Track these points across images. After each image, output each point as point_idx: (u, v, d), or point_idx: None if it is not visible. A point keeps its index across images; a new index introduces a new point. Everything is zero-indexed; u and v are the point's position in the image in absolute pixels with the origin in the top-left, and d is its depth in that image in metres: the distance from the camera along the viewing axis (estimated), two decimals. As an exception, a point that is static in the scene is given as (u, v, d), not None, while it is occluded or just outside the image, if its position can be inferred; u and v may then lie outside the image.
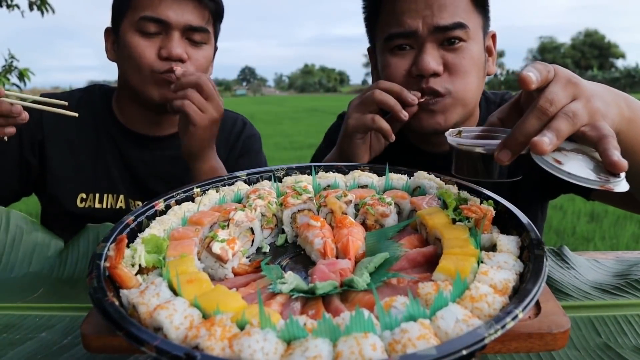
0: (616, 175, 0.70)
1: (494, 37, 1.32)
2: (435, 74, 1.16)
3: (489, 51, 1.30)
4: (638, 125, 0.86)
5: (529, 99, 0.83)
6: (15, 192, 1.48)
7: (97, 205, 1.46)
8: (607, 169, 0.70)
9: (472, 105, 1.24)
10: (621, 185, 0.69)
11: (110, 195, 1.47)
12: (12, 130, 1.13)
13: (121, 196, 1.47)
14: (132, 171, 1.49)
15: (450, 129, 0.93)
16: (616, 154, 0.69)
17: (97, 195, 1.46)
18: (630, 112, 0.84)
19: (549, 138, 0.70)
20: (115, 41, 1.41)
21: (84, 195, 1.46)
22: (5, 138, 1.15)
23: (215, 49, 1.49)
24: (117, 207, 1.47)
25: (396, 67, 1.20)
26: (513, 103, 0.88)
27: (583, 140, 0.75)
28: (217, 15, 1.41)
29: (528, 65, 0.77)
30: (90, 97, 1.52)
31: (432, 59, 1.15)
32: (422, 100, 1.14)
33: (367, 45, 1.39)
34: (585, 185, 0.69)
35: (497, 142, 0.78)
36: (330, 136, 1.60)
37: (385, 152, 1.26)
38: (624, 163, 0.69)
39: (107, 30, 1.44)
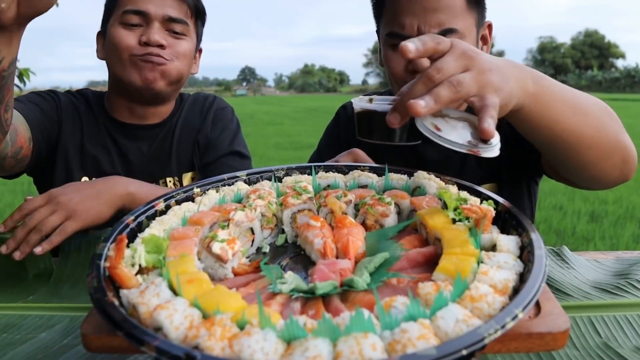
0: (487, 142, 0.75)
1: (490, 26, 1.37)
2: None
3: (484, 40, 1.36)
4: (545, 100, 0.88)
5: None
6: (45, 140, 1.46)
7: None
8: (479, 135, 0.74)
9: None
10: (489, 151, 0.74)
11: None
12: None
13: None
14: (128, 161, 1.55)
15: (361, 96, 0.98)
16: (487, 122, 0.73)
17: None
18: (536, 88, 0.86)
19: (426, 102, 0.74)
20: (104, 41, 1.50)
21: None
22: None
23: (200, 50, 1.60)
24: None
25: (396, 63, 1.29)
26: None
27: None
28: (197, 12, 1.51)
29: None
30: (85, 96, 1.61)
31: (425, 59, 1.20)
32: None
33: (367, 45, 1.48)
34: (454, 149, 0.75)
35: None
36: (328, 133, 1.65)
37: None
38: (491, 131, 0.72)
39: (98, 34, 1.54)
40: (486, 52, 1.36)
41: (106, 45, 1.48)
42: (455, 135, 0.76)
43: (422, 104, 0.73)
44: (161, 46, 1.41)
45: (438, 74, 0.76)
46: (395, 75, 1.28)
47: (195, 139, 1.63)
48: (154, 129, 1.59)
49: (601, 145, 0.95)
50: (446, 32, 1.20)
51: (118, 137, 1.55)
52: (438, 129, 0.76)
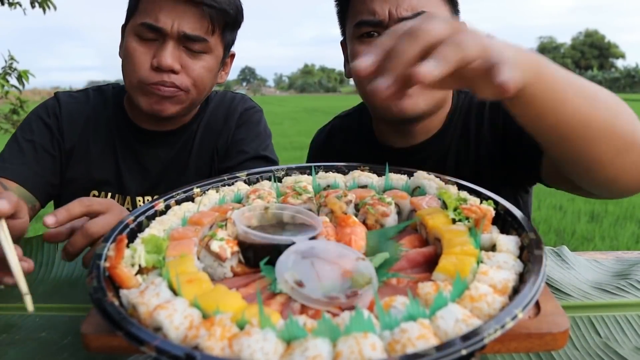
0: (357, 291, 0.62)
1: None
2: None
3: None
4: (549, 79, 0.74)
5: None
6: (52, 186, 1.43)
7: None
8: (495, 92, 0.59)
9: (441, 93, 1.27)
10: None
11: (119, 196, 1.46)
12: None
13: (127, 197, 1.46)
14: (144, 169, 1.47)
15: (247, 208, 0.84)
16: (505, 73, 0.58)
17: (109, 195, 1.45)
18: (539, 64, 0.73)
19: (435, 64, 0.57)
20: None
21: (96, 193, 1.45)
22: None
23: (232, 55, 1.49)
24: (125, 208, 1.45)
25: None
26: None
27: (471, 81, 0.65)
28: (225, 24, 1.35)
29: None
30: (103, 95, 1.52)
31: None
32: None
33: None
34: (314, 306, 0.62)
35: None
36: (314, 152, 1.62)
37: (351, 152, 1.40)
38: (513, 81, 0.58)
39: (122, 28, 1.41)
40: None
41: (123, 51, 1.36)
42: (316, 287, 0.63)
43: (429, 68, 0.56)
44: (173, 71, 1.28)
45: (426, 34, 0.58)
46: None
47: (215, 146, 1.51)
48: (174, 135, 1.48)
49: (615, 137, 0.81)
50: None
51: (134, 143, 1.46)
52: (300, 285, 0.63)
